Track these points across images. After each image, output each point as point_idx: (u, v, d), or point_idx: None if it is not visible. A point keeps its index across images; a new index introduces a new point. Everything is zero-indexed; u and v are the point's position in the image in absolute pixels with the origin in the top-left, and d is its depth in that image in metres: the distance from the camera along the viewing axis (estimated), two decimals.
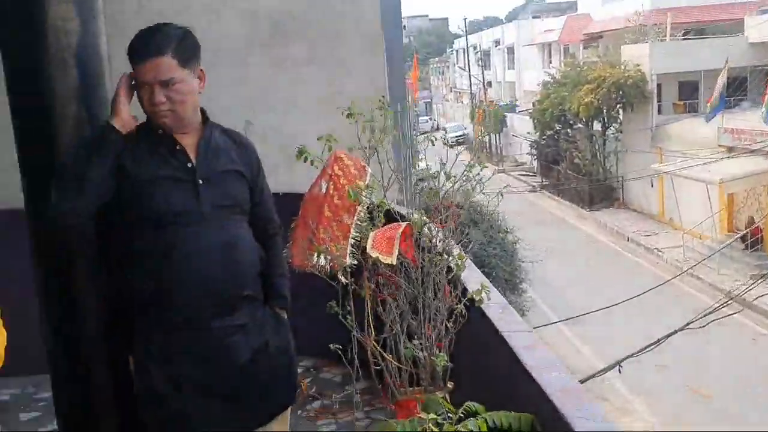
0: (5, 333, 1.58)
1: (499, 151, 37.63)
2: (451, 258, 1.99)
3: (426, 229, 1.99)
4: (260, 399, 2.22)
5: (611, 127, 24.51)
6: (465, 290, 2.11)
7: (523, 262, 11.18)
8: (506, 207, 11.91)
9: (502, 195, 2.81)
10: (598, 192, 24.08)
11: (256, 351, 2.17)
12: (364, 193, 1.88)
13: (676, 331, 5.39)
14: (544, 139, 28.12)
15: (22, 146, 2.27)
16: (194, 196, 2.04)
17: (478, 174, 2.39)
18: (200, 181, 2.05)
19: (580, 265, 17.90)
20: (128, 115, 2.00)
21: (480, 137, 32.01)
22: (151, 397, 2.11)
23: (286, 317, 2.30)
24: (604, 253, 19.51)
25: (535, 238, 13.96)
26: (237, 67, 4.15)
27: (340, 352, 2.14)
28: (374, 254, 1.85)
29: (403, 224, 1.89)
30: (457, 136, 33.01)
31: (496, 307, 2.17)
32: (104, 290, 2.30)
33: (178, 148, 2.07)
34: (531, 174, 30.89)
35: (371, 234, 1.88)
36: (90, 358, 2.31)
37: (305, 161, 2.10)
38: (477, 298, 2.01)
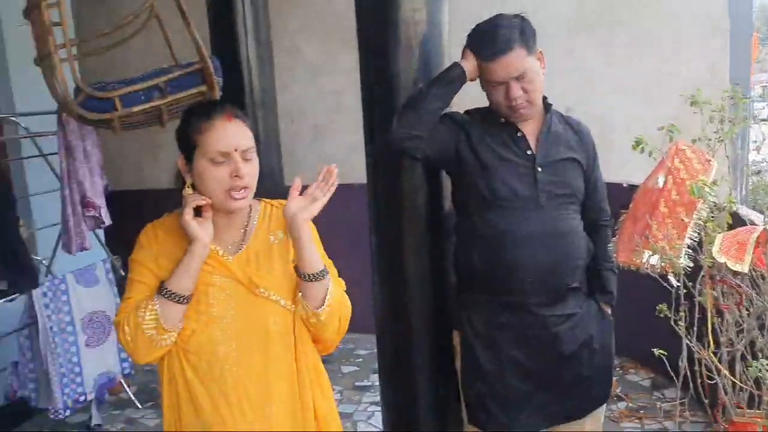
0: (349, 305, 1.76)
1: None
2: None
3: None
4: (578, 393, 2.18)
5: None
6: None
7: None
8: None
9: None
10: None
11: (581, 344, 2.13)
12: (708, 190, 1.70)
13: None
14: None
15: (368, 125, 2.49)
16: (532, 182, 2.05)
17: None
18: (539, 169, 2.06)
19: None
20: (474, 66, 2.06)
21: None
22: (474, 372, 2.19)
23: (610, 313, 2.22)
24: None
25: None
26: (561, 51, 4.06)
27: (664, 358, 1.98)
28: (722, 259, 1.67)
29: (759, 229, 1.67)
30: None
31: None
32: (430, 267, 2.46)
33: (519, 134, 2.09)
34: None
35: (718, 237, 1.70)
36: (413, 327, 2.48)
37: (642, 152, 1.97)
38: None
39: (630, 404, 3.55)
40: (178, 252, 1.63)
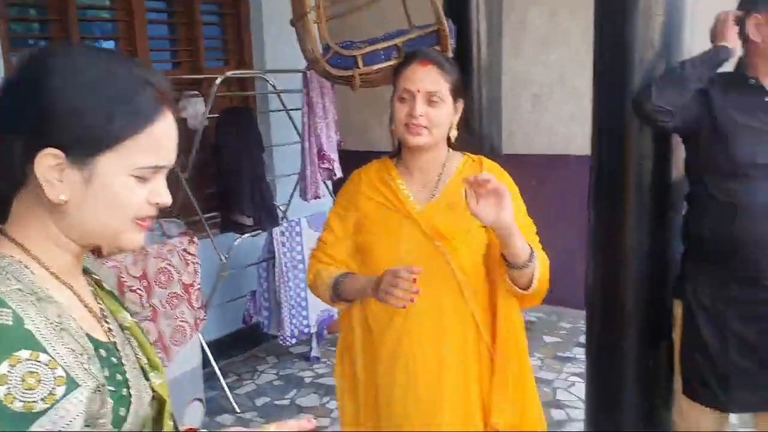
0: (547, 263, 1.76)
1: None
2: None
3: None
4: None
5: None
6: None
7: None
8: None
9: None
10: None
11: None
12: None
13: None
14: None
15: (597, 93, 2.49)
16: None
17: None
18: None
19: None
20: (736, 39, 2.04)
21: None
22: (695, 344, 2.15)
23: None
24: None
25: None
26: None
27: None
28: None
29: None
30: None
31: None
32: (651, 239, 2.42)
33: (767, 99, 2.00)
34: None
35: None
36: (626, 300, 2.46)
37: None
38: None
39: None
40: (374, 194, 1.80)
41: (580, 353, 3.93)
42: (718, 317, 2.08)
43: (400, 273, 1.52)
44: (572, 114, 4.50)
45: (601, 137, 2.49)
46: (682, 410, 2.26)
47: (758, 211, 1.96)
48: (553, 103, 4.67)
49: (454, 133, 1.80)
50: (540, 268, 1.68)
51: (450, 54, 2.98)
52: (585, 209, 2.56)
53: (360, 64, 2.87)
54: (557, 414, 3.41)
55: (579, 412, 3.26)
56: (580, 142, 3.95)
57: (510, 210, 1.53)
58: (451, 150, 1.83)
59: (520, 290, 1.69)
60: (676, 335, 2.25)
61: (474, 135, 3.73)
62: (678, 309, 2.22)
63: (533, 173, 4.06)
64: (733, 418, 2.48)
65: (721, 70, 2.12)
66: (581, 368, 3.47)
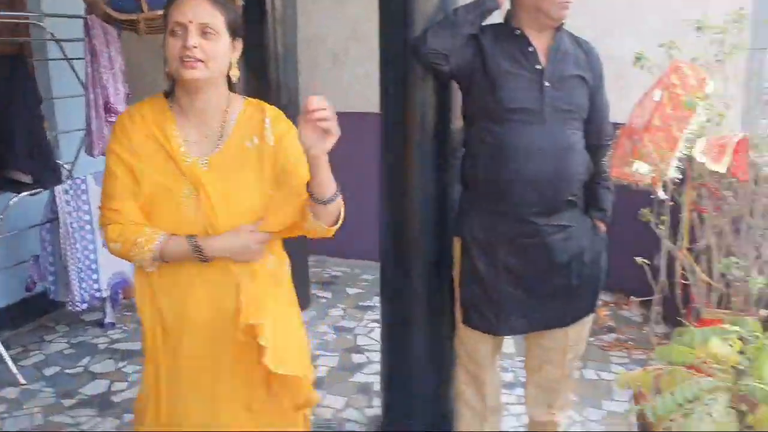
0: None
1: None
2: None
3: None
4: (565, 302, 2.30)
5: None
6: None
7: None
8: None
9: None
10: None
11: (572, 255, 2.25)
12: (701, 104, 1.78)
13: None
14: None
15: (383, 49, 2.57)
16: (539, 97, 2.14)
17: None
18: (546, 84, 2.15)
19: None
20: None
21: None
22: (472, 276, 2.31)
23: (604, 230, 2.33)
24: None
25: None
26: None
27: (646, 267, 2.10)
28: (703, 159, 1.77)
29: (740, 135, 1.76)
30: None
31: None
32: (435, 182, 2.57)
33: (530, 49, 2.18)
34: None
35: (702, 139, 1.79)
36: (414, 238, 2.60)
37: (641, 68, 2.05)
38: None
39: (620, 336, 3.69)
40: (157, 132, 1.69)
41: (379, 303, 4.11)
42: (490, 251, 2.27)
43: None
44: (368, 73, 4.60)
45: (387, 89, 2.57)
46: (462, 338, 2.45)
47: (521, 153, 2.15)
48: (351, 61, 4.75)
49: (235, 73, 1.74)
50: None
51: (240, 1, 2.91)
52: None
53: (144, 8, 2.73)
54: (358, 358, 3.55)
55: (377, 355, 3.42)
56: (377, 101, 4.07)
57: (332, 140, 1.55)
58: (231, 93, 1.77)
59: (325, 226, 1.71)
60: (456, 270, 2.42)
61: (269, 83, 3.71)
62: (457, 246, 2.39)
63: None
64: (507, 341, 2.75)
65: (493, 21, 2.29)
66: (379, 315, 3.64)
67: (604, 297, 4.01)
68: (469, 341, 2.42)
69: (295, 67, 3.88)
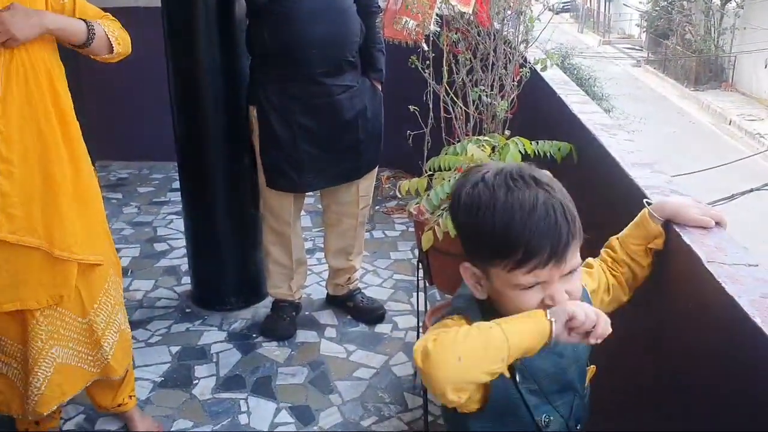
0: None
1: (607, 21, 35.57)
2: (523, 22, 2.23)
3: None
4: (355, 156, 2.58)
5: (732, 1, 22.64)
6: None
7: None
8: (604, 78, 11.54)
9: None
10: (706, 71, 22.70)
11: (358, 112, 2.52)
12: None
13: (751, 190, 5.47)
14: (656, 11, 26.31)
15: None
16: None
17: None
18: None
19: (669, 141, 17.35)
20: None
21: (587, 4, 30.19)
22: (271, 140, 2.50)
23: (380, 89, 2.63)
24: (700, 133, 18.75)
25: (629, 112, 13.62)
26: None
27: (417, 114, 2.44)
28: (453, 2, 2.11)
29: None
30: (564, 2, 31.23)
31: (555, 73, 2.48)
32: (222, 54, 2.67)
33: None
34: (638, 48, 29.23)
35: None
36: (207, 114, 2.72)
37: None
38: (540, 67, 2.28)
39: (401, 202, 4.14)
40: None
41: (174, 197, 4.16)
42: (286, 114, 2.47)
43: None
44: None
45: None
46: (267, 200, 2.66)
47: (305, 18, 2.35)
48: None
49: None
50: (111, 28, 1.87)
51: None
52: None
53: None
54: (160, 246, 3.63)
55: (179, 242, 3.53)
56: None
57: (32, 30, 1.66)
58: None
59: (106, 56, 1.86)
60: (255, 138, 2.59)
61: None
62: (253, 114, 2.55)
63: None
64: (307, 197, 3.00)
65: None
66: (177, 208, 3.72)
67: (387, 172, 4.42)
68: (274, 203, 2.63)
69: None
